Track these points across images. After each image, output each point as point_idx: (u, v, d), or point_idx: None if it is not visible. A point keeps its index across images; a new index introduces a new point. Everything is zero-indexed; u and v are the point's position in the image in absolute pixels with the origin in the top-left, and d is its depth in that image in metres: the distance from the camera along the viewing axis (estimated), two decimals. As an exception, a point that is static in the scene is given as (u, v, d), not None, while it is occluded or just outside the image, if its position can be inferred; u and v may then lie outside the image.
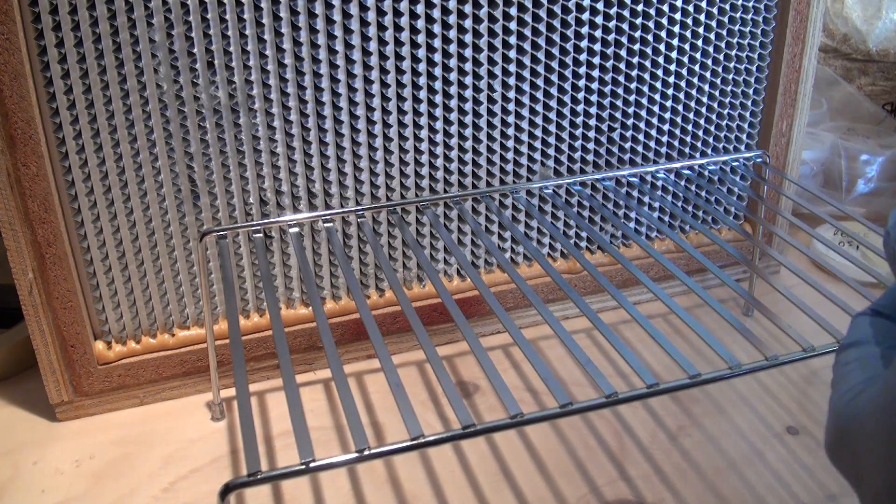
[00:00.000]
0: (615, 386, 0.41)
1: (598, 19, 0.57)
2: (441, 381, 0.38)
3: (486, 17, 0.54)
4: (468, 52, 0.55)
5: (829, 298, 0.46)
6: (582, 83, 0.59)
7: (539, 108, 0.59)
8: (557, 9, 0.56)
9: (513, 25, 0.55)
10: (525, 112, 0.59)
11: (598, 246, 0.66)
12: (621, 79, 0.60)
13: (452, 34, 0.54)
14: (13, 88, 0.46)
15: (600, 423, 0.55)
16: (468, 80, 0.56)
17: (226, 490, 0.33)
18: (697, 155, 0.66)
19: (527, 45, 0.56)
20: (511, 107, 0.58)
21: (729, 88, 0.64)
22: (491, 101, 0.58)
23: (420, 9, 0.53)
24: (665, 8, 0.59)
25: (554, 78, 0.58)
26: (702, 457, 0.52)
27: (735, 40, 0.62)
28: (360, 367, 0.62)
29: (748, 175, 0.65)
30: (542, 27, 0.56)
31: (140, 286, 0.55)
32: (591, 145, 0.62)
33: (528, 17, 0.55)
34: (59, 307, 0.52)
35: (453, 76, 0.56)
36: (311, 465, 0.34)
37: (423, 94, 0.55)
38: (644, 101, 0.62)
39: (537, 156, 0.61)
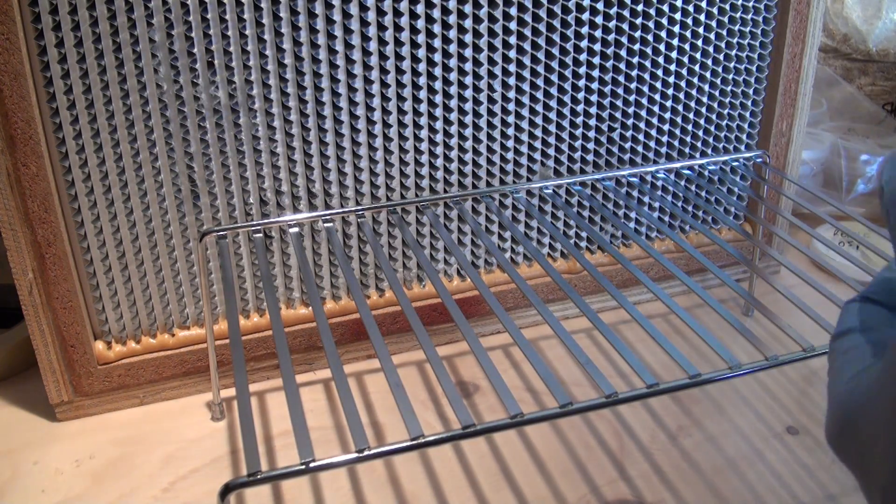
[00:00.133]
0: (615, 386, 0.41)
1: (598, 19, 0.57)
2: (441, 381, 0.38)
3: (486, 17, 0.55)
4: (468, 52, 0.55)
5: (829, 298, 0.46)
6: (582, 83, 0.59)
7: (539, 108, 0.59)
8: (557, 9, 0.56)
9: (513, 26, 0.55)
10: (525, 112, 0.59)
11: (598, 246, 0.66)
12: (621, 79, 0.60)
13: (452, 34, 0.54)
14: (13, 88, 0.46)
15: (600, 423, 0.55)
16: (468, 80, 0.56)
17: (226, 490, 0.33)
18: (697, 155, 0.66)
19: (527, 46, 0.56)
20: (511, 107, 0.58)
21: (729, 88, 0.64)
22: (491, 101, 0.58)
23: (420, 9, 0.53)
24: (665, 8, 0.59)
25: (554, 78, 0.58)
26: (702, 457, 0.52)
27: (735, 40, 0.62)
28: (360, 367, 0.62)
29: (748, 175, 0.65)
30: (541, 27, 0.56)
31: (140, 286, 0.55)
32: (591, 145, 0.62)
33: (528, 18, 0.55)
34: (59, 307, 0.52)
35: (453, 76, 0.56)
36: (311, 465, 0.34)
37: (423, 94, 0.55)
38: (644, 101, 0.62)
39: (537, 156, 0.61)
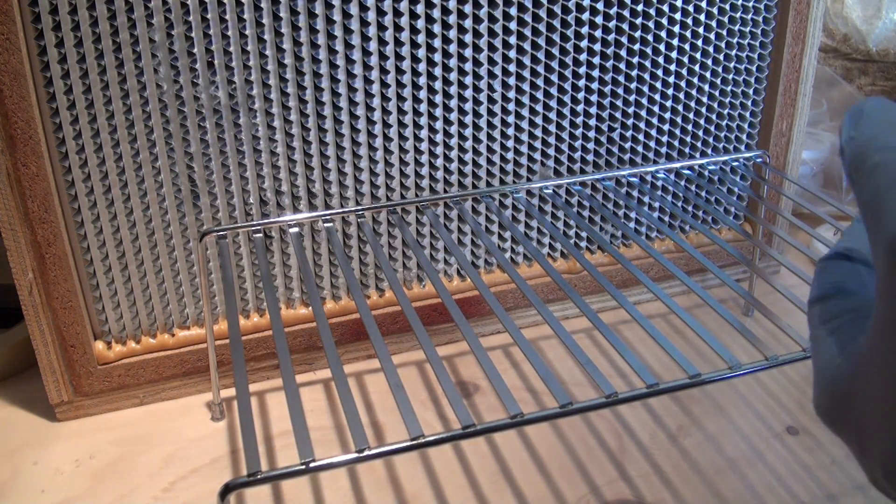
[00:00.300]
0: (615, 386, 0.41)
1: (599, 19, 0.57)
2: (441, 381, 0.38)
3: (486, 17, 0.54)
4: (468, 53, 0.55)
5: (829, 298, 0.46)
6: (582, 83, 0.59)
7: (539, 108, 0.59)
8: (557, 9, 0.56)
9: (513, 26, 0.55)
10: (525, 112, 0.59)
11: (598, 246, 0.66)
12: (621, 79, 0.60)
13: (452, 34, 0.54)
14: (13, 88, 0.46)
15: (600, 423, 0.55)
16: (468, 80, 0.56)
17: (226, 490, 0.33)
18: (697, 155, 0.66)
19: (527, 46, 0.56)
20: (511, 107, 0.58)
21: (729, 88, 0.64)
22: (491, 101, 0.58)
23: (420, 9, 0.53)
24: (665, 8, 0.59)
25: (554, 78, 0.58)
26: (702, 457, 0.52)
27: (735, 40, 0.62)
28: (360, 367, 0.62)
29: (748, 175, 0.65)
30: (542, 27, 0.56)
31: (140, 286, 0.55)
32: (591, 145, 0.62)
33: (528, 18, 0.55)
34: (59, 307, 0.52)
35: (453, 76, 0.56)
36: (311, 465, 0.34)
37: (423, 94, 0.55)
38: (644, 101, 0.62)
39: (537, 156, 0.61)
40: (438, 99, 0.56)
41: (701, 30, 0.61)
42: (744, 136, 0.67)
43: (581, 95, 0.60)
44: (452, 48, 0.55)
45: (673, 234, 0.53)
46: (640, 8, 0.58)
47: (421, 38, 0.54)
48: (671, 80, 0.62)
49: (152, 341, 0.57)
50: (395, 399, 0.37)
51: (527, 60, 0.57)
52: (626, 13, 0.58)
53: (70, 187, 0.50)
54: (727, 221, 0.55)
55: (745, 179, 0.67)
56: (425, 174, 0.58)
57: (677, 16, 0.59)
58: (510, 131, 0.59)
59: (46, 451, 0.53)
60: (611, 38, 0.58)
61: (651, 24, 0.59)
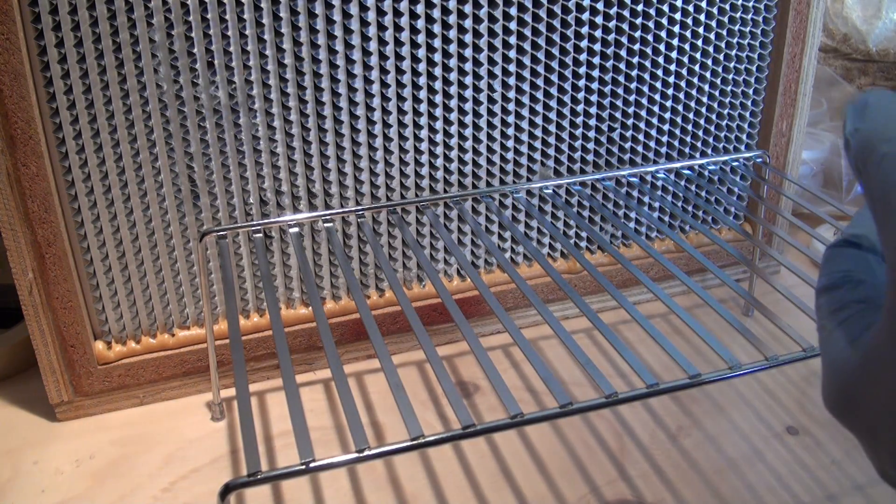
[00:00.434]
0: (615, 386, 0.41)
1: (598, 19, 0.57)
2: (441, 381, 0.38)
3: (486, 17, 0.54)
4: (468, 53, 0.55)
5: (829, 298, 0.46)
6: (582, 83, 0.59)
7: (539, 108, 0.59)
8: (557, 9, 0.56)
9: (513, 26, 0.55)
10: (525, 112, 0.59)
11: (598, 246, 0.66)
12: (621, 79, 0.60)
13: (452, 34, 0.54)
14: (13, 88, 0.46)
15: (600, 423, 0.55)
16: (468, 80, 0.56)
17: (226, 490, 0.33)
18: (697, 155, 0.66)
19: (527, 46, 0.56)
20: (511, 107, 0.58)
21: (729, 88, 0.64)
22: (491, 101, 0.58)
23: (420, 9, 0.53)
24: (665, 8, 0.59)
25: (554, 78, 0.58)
26: (702, 457, 0.52)
27: (735, 40, 0.62)
28: (360, 367, 0.62)
29: (748, 175, 0.65)
30: (542, 27, 0.56)
31: (140, 286, 0.55)
32: (591, 145, 0.62)
33: (528, 18, 0.55)
34: (59, 307, 0.52)
35: (453, 76, 0.56)
36: (311, 465, 0.34)
37: (423, 94, 0.55)
38: (644, 101, 0.62)
39: (537, 156, 0.61)
40: (438, 99, 0.56)
41: (701, 30, 0.61)
42: (744, 136, 0.67)
43: (581, 95, 0.60)
44: (452, 48, 0.55)
45: (673, 234, 0.53)
46: (640, 8, 0.58)
47: (421, 39, 0.54)
48: (671, 80, 0.62)
49: (152, 341, 0.57)
50: (395, 399, 0.37)
51: (527, 61, 0.57)
52: (626, 13, 0.58)
53: (70, 187, 0.50)
54: (727, 221, 0.55)
55: (745, 179, 0.67)
56: (425, 174, 0.58)
57: (677, 16, 0.59)
58: (510, 131, 0.59)
59: (46, 451, 0.53)
60: (611, 38, 0.58)
61: (651, 24, 0.59)
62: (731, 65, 0.63)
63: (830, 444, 0.53)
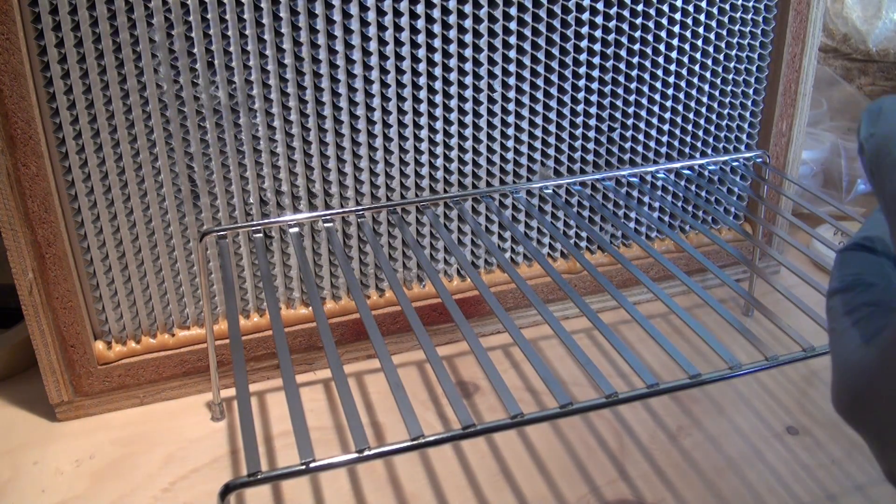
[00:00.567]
0: (615, 386, 0.41)
1: (598, 19, 0.57)
2: (441, 381, 0.38)
3: (486, 17, 0.54)
4: (468, 53, 0.55)
5: (829, 298, 0.46)
6: (582, 83, 0.59)
7: (539, 108, 0.59)
8: (557, 9, 0.56)
9: (513, 26, 0.55)
10: (525, 112, 0.59)
11: (598, 246, 0.66)
12: (621, 79, 0.60)
13: (452, 34, 0.54)
14: (13, 88, 0.46)
15: (600, 423, 0.55)
16: (468, 80, 0.56)
17: (226, 490, 0.33)
18: (697, 155, 0.66)
19: (527, 46, 0.56)
20: (511, 107, 0.58)
21: (729, 88, 0.64)
22: (491, 101, 0.58)
23: (420, 9, 0.53)
24: (665, 8, 0.59)
25: (554, 78, 0.58)
26: (702, 457, 0.52)
27: (735, 40, 0.62)
28: (360, 367, 0.62)
29: (748, 175, 0.65)
30: (542, 27, 0.56)
31: (140, 286, 0.55)
32: (591, 145, 0.62)
33: (528, 18, 0.55)
34: (59, 307, 0.52)
35: (453, 76, 0.56)
36: (311, 465, 0.34)
37: (423, 94, 0.55)
38: (644, 101, 0.62)
39: (537, 156, 0.61)
40: (438, 99, 0.56)
41: (701, 30, 0.61)
42: (744, 136, 0.67)
43: (581, 95, 0.60)
44: (452, 48, 0.55)
45: (673, 234, 0.53)
46: (640, 8, 0.58)
47: (421, 39, 0.54)
48: (671, 80, 0.62)
49: (152, 341, 0.57)
50: (395, 399, 0.37)
51: (527, 61, 0.57)
52: (626, 13, 0.58)
53: (70, 187, 0.50)
54: (727, 221, 0.55)
55: (745, 179, 0.67)
56: (425, 174, 0.58)
57: (677, 16, 0.59)
58: (510, 131, 0.59)
59: (47, 451, 0.53)
60: (611, 38, 0.58)
61: (651, 25, 0.59)
62: (731, 65, 0.63)
63: (830, 444, 0.53)
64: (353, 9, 0.51)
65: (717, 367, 0.41)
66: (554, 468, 0.51)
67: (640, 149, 0.64)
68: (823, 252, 0.73)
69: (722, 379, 0.40)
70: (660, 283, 0.68)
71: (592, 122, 0.61)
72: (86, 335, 0.54)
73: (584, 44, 0.58)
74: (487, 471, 0.51)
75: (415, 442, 0.35)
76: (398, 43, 0.53)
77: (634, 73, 0.60)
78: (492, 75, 0.57)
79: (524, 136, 0.60)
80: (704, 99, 0.64)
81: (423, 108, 0.56)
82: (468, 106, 0.57)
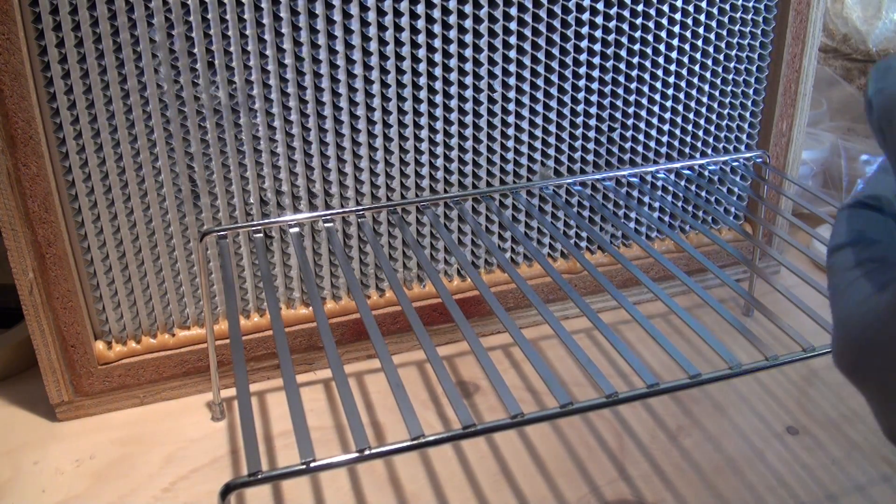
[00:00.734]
0: (615, 386, 0.41)
1: (599, 19, 0.57)
2: (441, 381, 0.38)
3: (486, 17, 0.55)
4: (468, 53, 0.55)
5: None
6: (582, 83, 0.59)
7: (539, 108, 0.59)
8: (557, 9, 0.56)
9: (513, 26, 0.55)
10: (525, 112, 0.59)
11: (598, 246, 0.66)
12: (621, 79, 0.60)
13: (452, 34, 0.54)
14: (13, 88, 0.46)
15: (600, 423, 0.55)
16: (468, 80, 0.56)
17: (226, 490, 0.33)
18: (697, 155, 0.66)
19: (527, 46, 0.56)
20: (511, 107, 0.58)
21: (729, 88, 0.64)
22: (491, 101, 0.58)
23: (420, 9, 0.53)
24: (665, 8, 0.59)
25: (554, 78, 0.58)
26: (702, 457, 0.52)
27: (735, 40, 0.62)
28: (361, 367, 0.62)
29: (748, 175, 0.65)
30: (542, 27, 0.56)
31: (140, 286, 0.55)
32: (591, 145, 0.62)
33: (528, 18, 0.55)
34: (60, 307, 0.52)
35: (453, 76, 0.56)
36: (312, 465, 0.34)
37: (423, 94, 0.55)
38: (644, 101, 0.62)
39: (537, 156, 0.61)
40: (438, 99, 0.56)
41: (701, 30, 0.61)
42: (744, 136, 0.67)
43: (581, 95, 0.60)
44: (453, 48, 0.55)
45: (673, 234, 0.53)
46: (640, 8, 0.58)
47: (421, 39, 0.54)
48: (671, 80, 0.62)
49: (152, 341, 0.57)
50: (395, 399, 0.37)
51: (527, 61, 0.57)
52: (626, 13, 0.58)
53: (70, 187, 0.50)
54: (727, 221, 0.55)
55: (745, 179, 0.67)
56: (425, 174, 0.58)
57: (677, 16, 0.59)
58: (510, 131, 0.59)
59: (47, 451, 0.53)
60: (611, 38, 0.58)
61: (651, 24, 0.59)
62: (731, 65, 0.63)
63: (830, 444, 0.53)
64: (354, 9, 0.51)
65: (717, 367, 0.41)
66: (554, 468, 0.51)
67: (640, 149, 0.64)
68: (823, 252, 0.73)
69: (722, 379, 0.40)
70: (660, 283, 0.68)
71: (592, 122, 0.61)
72: (86, 335, 0.54)
73: (584, 44, 0.58)
74: (487, 471, 0.51)
75: (415, 442, 0.35)
76: (398, 43, 0.53)
77: (634, 73, 0.60)
78: (492, 75, 0.57)
79: (524, 136, 0.60)
80: (704, 99, 0.64)
81: (424, 108, 0.56)
82: (468, 106, 0.57)
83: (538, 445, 0.53)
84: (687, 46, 0.61)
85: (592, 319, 0.43)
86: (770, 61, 0.64)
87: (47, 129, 0.48)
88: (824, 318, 0.44)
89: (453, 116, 0.57)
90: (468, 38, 0.55)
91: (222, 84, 0.51)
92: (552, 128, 0.60)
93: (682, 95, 0.63)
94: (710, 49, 0.62)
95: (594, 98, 0.60)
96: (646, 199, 0.66)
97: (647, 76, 0.61)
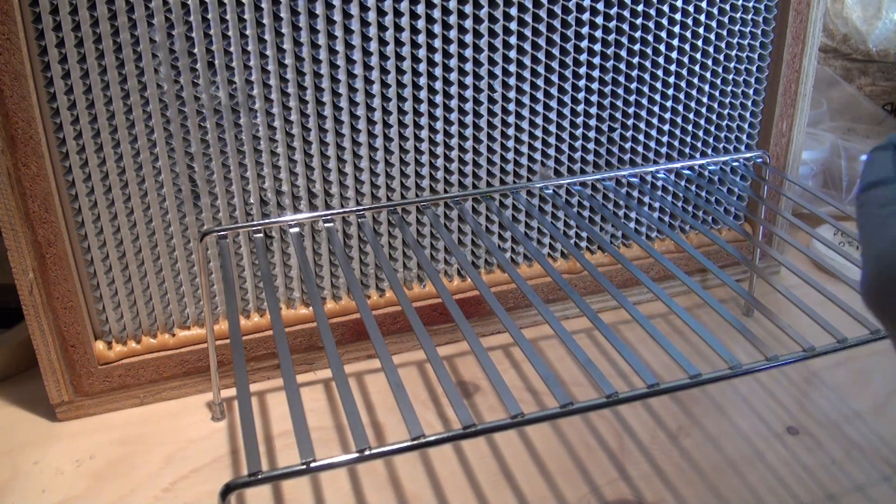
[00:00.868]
0: (615, 386, 0.41)
1: (599, 19, 0.57)
2: (441, 381, 0.38)
3: (486, 17, 0.55)
4: (468, 53, 0.55)
5: (829, 299, 0.46)
6: (582, 83, 0.59)
7: (539, 108, 0.59)
8: (557, 9, 0.56)
9: (513, 26, 0.55)
10: (525, 112, 0.59)
11: (598, 246, 0.66)
12: (621, 79, 0.60)
13: (453, 34, 0.54)
14: (14, 88, 0.46)
15: (600, 423, 0.55)
16: (468, 80, 0.56)
17: (227, 490, 0.33)
18: (697, 155, 0.66)
19: (527, 46, 0.56)
20: (511, 107, 0.58)
21: (729, 88, 0.64)
22: (491, 101, 0.58)
23: (420, 9, 0.53)
24: (665, 8, 0.59)
25: (554, 78, 0.58)
26: (702, 457, 0.52)
27: (735, 40, 0.62)
28: (361, 367, 0.62)
29: (748, 175, 0.65)
30: (542, 27, 0.56)
31: (140, 286, 0.55)
32: (591, 145, 0.62)
33: (528, 18, 0.55)
34: (60, 307, 0.52)
35: (453, 76, 0.56)
36: (312, 465, 0.34)
37: (423, 94, 0.55)
38: (644, 101, 0.62)
39: (537, 156, 0.61)
40: (438, 99, 0.56)
41: (701, 30, 0.61)
42: (744, 137, 0.67)
43: (581, 95, 0.60)
44: (453, 48, 0.55)
45: (673, 234, 0.53)
46: (640, 8, 0.58)
47: (421, 39, 0.54)
48: (671, 80, 0.62)
49: (153, 341, 0.57)
50: (395, 399, 0.37)
51: (527, 61, 0.57)
52: (626, 13, 0.58)
53: (70, 187, 0.50)
54: (727, 221, 0.55)
55: (746, 179, 0.67)
56: (425, 174, 0.58)
57: (677, 16, 0.59)
58: (510, 131, 0.59)
59: (47, 451, 0.53)
60: (611, 38, 0.58)
61: (651, 25, 0.59)
62: (731, 65, 0.63)
63: (830, 444, 0.53)
64: (354, 9, 0.51)
65: (717, 367, 0.41)
66: (554, 468, 0.51)
67: (640, 149, 0.64)
68: (823, 252, 0.73)
69: (722, 379, 0.40)
70: (660, 283, 0.68)
71: (592, 122, 0.61)
72: (86, 335, 0.54)
73: (584, 44, 0.58)
74: (487, 471, 0.51)
75: (415, 442, 0.35)
76: (398, 43, 0.53)
77: (634, 73, 0.60)
78: (492, 75, 0.57)
79: (524, 136, 0.60)
80: (704, 99, 0.64)
81: (424, 108, 0.56)
82: (468, 106, 0.57)
83: (538, 445, 0.53)
84: (687, 47, 0.61)
85: (592, 319, 0.43)
86: (770, 61, 0.64)
87: (47, 129, 0.48)
88: (824, 319, 0.44)
89: (453, 116, 0.57)
90: (468, 39, 0.55)
91: (222, 84, 0.51)
92: (552, 128, 0.60)
93: (682, 95, 0.63)
94: (710, 49, 0.62)
95: (594, 98, 0.60)
96: (646, 200, 0.66)
97: (647, 76, 0.61)
